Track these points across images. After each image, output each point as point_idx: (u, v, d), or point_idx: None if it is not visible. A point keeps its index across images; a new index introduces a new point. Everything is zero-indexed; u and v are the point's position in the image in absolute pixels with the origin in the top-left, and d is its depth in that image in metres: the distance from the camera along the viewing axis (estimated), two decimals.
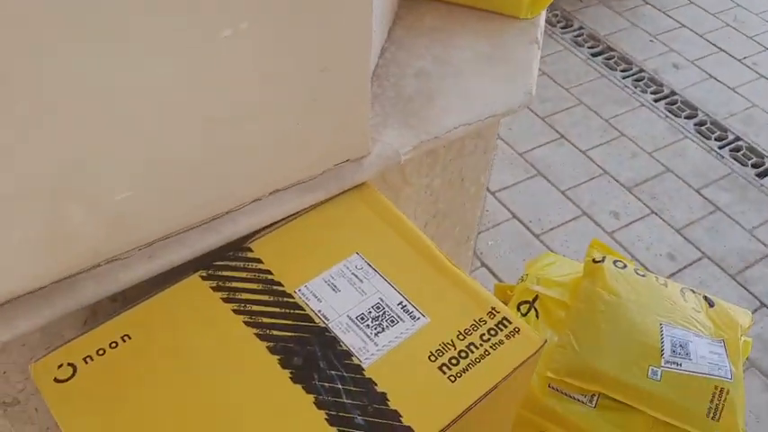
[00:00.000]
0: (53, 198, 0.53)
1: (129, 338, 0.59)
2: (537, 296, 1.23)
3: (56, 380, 0.56)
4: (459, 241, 1.00)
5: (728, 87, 2.14)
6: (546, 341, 0.61)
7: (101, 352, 0.57)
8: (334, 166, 0.70)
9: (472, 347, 0.60)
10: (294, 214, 0.69)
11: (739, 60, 2.26)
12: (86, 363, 0.57)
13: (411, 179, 0.82)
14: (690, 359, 1.05)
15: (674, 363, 1.05)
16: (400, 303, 0.63)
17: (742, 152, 1.92)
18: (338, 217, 0.70)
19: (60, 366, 0.56)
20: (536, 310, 1.21)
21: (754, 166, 1.88)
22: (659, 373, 1.04)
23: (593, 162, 1.83)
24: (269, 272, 0.64)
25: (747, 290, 1.55)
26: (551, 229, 1.64)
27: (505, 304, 1.20)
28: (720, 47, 2.32)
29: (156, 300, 0.62)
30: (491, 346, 0.60)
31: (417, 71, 0.82)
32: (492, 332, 0.61)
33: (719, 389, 1.02)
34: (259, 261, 0.65)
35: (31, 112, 0.48)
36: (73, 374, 0.56)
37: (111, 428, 0.53)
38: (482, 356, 0.59)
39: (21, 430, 0.68)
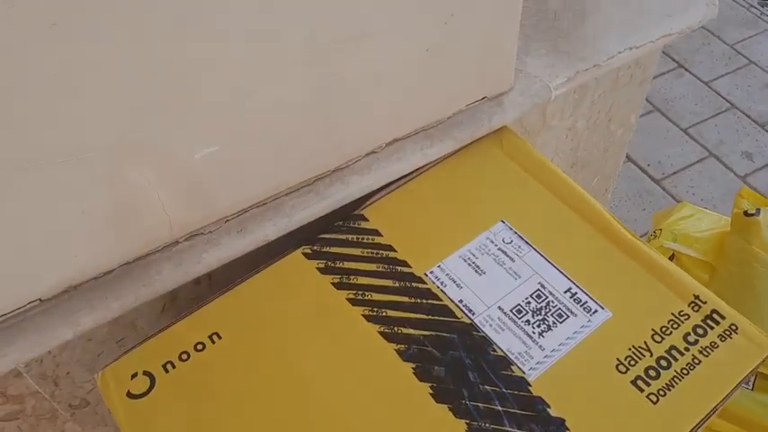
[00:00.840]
0: (116, 157, 0.40)
1: (219, 338, 0.45)
2: (673, 255, 1.05)
3: (129, 394, 0.43)
4: (597, 194, 0.83)
5: None
6: None
7: (184, 356, 0.44)
8: (467, 107, 0.54)
9: (674, 353, 0.44)
10: (417, 170, 0.54)
11: None
12: (167, 371, 0.44)
13: (552, 121, 0.65)
14: None
15: None
16: (569, 290, 0.47)
17: None
18: (473, 173, 0.54)
19: (134, 376, 0.44)
20: None
21: None
22: None
23: (718, 95, 1.59)
24: (390, 247, 0.49)
25: None
26: (673, 173, 1.43)
27: None
28: None
29: (249, 286, 0.48)
30: (701, 352, 0.44)
31: None
32: (699, 331, 0.45)
33: None
34: (377, 233, 0.50)
35: (89, 33, 0.33)
36: (150, 387, 0.43)
37: None
38: (690, 366, 0.43)
39: None
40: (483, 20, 0.48)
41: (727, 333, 0.45)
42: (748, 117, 1.55)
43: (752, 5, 1.85)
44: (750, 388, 0.90)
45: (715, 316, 0.45)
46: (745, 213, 1.01)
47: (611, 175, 0.82)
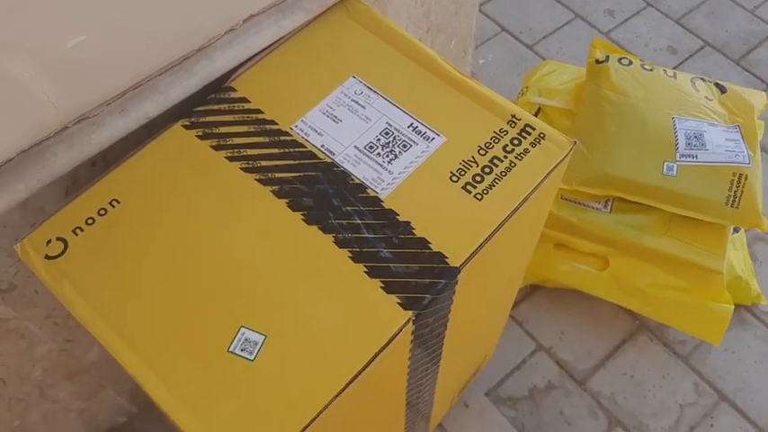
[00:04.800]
0: None
1: (118, 202, 0.53)
2: (539, 108, 1.17)
3: (47, 257, 0.50)
4: (457, 56, 0.92)
5: None
6: (576, 142, 0.55)
7: (90, 221, 0.52)
8: None
9: (496, 161, 0.54)
10: (275, 43, 0.61)
11: None
12: (76, 234, 0.51)
13: None
14: (706, 149, 1.01)
15: (689, 156, 1.01)
16: (411, 125, 0.56)
17: None
18: (325, 39, 0.61)
19: (49, 242, 0.51)
20: None
21: None
22: (675, 168, 1.00)
23: None
24: (259, 111, 0.57)
25: (753, 74, 1.48)
26: (544, 37, 1.54)
27: None
28: None
29: (138, 158, 0.55)
30: (516, 157, 0.55)
31: None
32: (515, 142, 0.55)
33: (738, 175, 0.99)
34: (245, 100, 0.58)
35: None
36: (65, 249, 0.51)
37: (115, 298, 0.49)
38: (508, 169, 0.54)
39: (24, 315, 0.64)
40: None
41: (537, 140, 0.55)
42: None
43: None
44: (609, 211, 1.05)
45: (528, 128, 0.56)
46: (597, 61, 1.13)
47: (467, 37, 0.90)
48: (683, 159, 1.01)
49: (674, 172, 1.00)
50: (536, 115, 1.17)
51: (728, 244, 1.03)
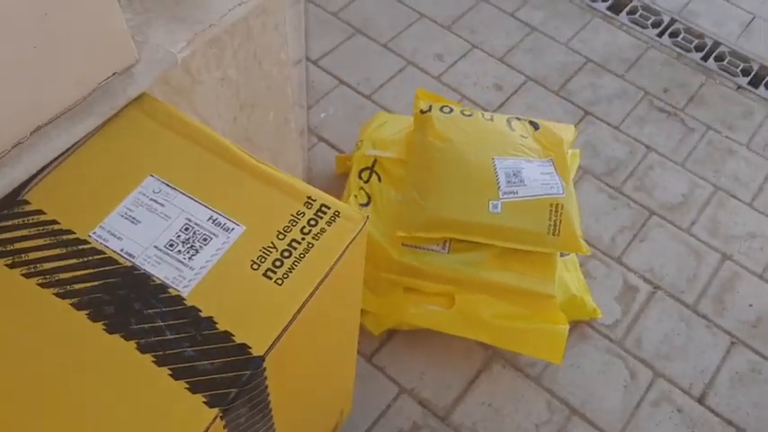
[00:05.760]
0: None
1: None
2: (375, 160, 1.22)
3: None
4: (278, 126, 0.95)
5: None
6: (368, 217, 0.59)
7: None
8: (100, 85, 0.62)
9: (294, 244, 0.57)
10: (68, 150, 0.61)
11: None
12: None
13: (200, 76, 0.74)
14: (525, 185, 1.10)
15: (510, 192, 1.09)
16: (210, 218, 0.58)
17: None
18: (121, 140, 0.62)
19: None
20: (377, 174, 1.21)
21: None
22: (499, 206, 1.08)
23: (407, 6, 1.78)
24: (55, 221, 0.57)
25: (571, 102, 1.62)
26: (380, 86, 1.61)
27: (347, 175, 1.19)
28: None
29: None
30: (313, 237, 0.58)
31: None
32: (312, 222, 0.59)
33: (555, 205, 1.08)
34: (40, 212, 0.57)
35: None
36: None
37: None
38: (306, 250, 0.57)
39: None
40: (80, 11, 0.55)
41: (333, 219, 0.59)
42: (435, 22, 1.76)
43: None
44: (447, 252, 1.11)
45: (323, 208, 0.59)
46: (421, 111, 1.20)
47: (286, 106, 0.94)
48: (505, 196, 1.08)
49: (499, 209, 1.08)
50: (373, 167, 1.23)
51: (558, 268, 1.11)
